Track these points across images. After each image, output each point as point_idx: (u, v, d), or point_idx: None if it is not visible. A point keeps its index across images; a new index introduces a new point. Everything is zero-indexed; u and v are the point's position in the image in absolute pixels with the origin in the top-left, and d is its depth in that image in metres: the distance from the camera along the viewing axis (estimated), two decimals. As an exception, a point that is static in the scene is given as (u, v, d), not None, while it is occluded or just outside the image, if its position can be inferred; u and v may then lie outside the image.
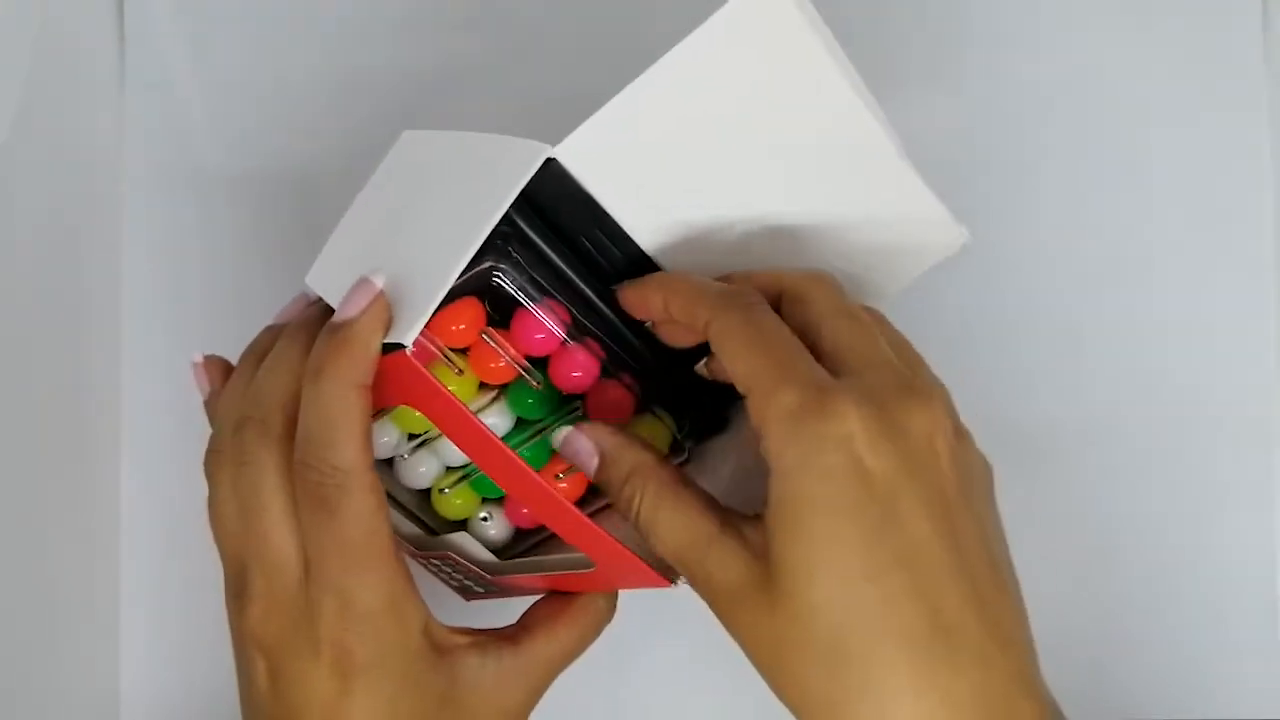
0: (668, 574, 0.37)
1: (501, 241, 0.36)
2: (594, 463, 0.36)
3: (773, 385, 0.32)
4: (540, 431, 0.39)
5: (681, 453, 0.41)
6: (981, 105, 0.49)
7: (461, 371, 0.38)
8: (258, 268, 0.49)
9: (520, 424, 0.40)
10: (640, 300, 0.37)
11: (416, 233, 0.36)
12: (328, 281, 0.37)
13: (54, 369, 0.49)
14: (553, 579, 0.40)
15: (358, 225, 0.39)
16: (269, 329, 0.40)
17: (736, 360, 0.33)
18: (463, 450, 0.37)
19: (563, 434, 0.37)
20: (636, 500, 0.35)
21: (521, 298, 0.37)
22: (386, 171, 0.39)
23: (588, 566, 0.38)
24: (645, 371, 0.39)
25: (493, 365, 0.38)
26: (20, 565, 0.47)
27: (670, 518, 0.34)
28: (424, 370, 0.35)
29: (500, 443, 0.36)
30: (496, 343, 0.38)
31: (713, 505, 0.34)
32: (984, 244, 0.49)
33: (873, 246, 0.38)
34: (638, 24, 0.46)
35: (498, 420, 0.39)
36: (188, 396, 0.49)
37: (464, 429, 0.36)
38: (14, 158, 0.49)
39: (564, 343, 0.38)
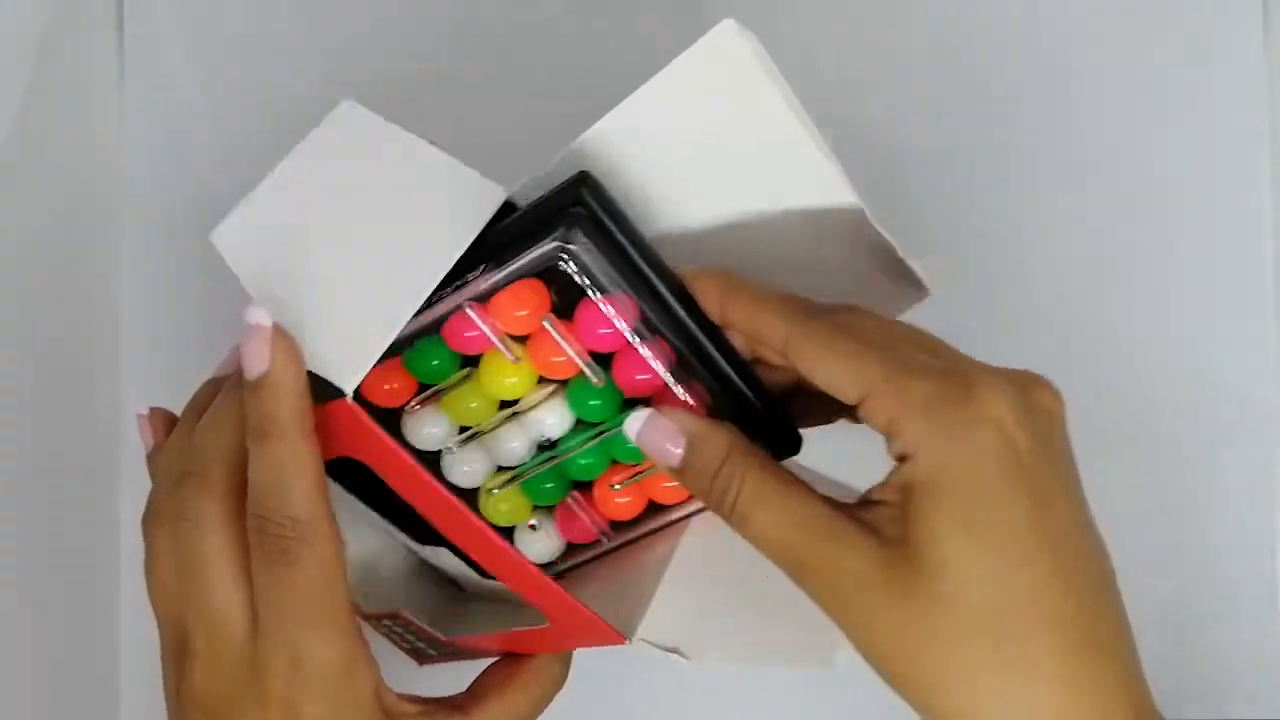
0: (625, 631, 0.36)
1: (570, 222, 0.34)
2: (679, 449, 0.34)
3: (900, 381, 0.31)
4: (599, 435, 0.37)
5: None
6: (979, 105, 0.49)
7: (519, 360, 0.36)
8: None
9: (579, 425, 0.38)
10: (699, 292, 0.35)
11: (359, 249, 0.35)
12: (239, 247, 0.36)
13: (54, 368, 0.49)
14: (506, 639, 0.39)
15: (282, 198, 0.37)
16: (209, 382, 0.39)
17: (838, 369, 0.32)
18: (416, 507, 0.36)
19: (638, 417, 0.35)
20: (734, 488, 0.33)
21: (588, 286, 0.35)
22: (319, 142, 0.37)
23: (541, 623, 0.37)
24: (719, 382, 0.36)
25: (553, 359, 0.36)
26: (20, 566, 0.47)
27: (779, 505, 0.33)
28: (367, 420, 0.34)
29: (455, 500, 0.35)
30: (559, 334, 0.36)
31: (817, 491, 0.33)
32: (983, 244, 0.49)
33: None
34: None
35: (555, 419, 0.37)
36: (187, 394, 0.49)
37: (414, 483, 0.35)
38: (14, 159, 0.49)
39: (631, 341, 0.36)
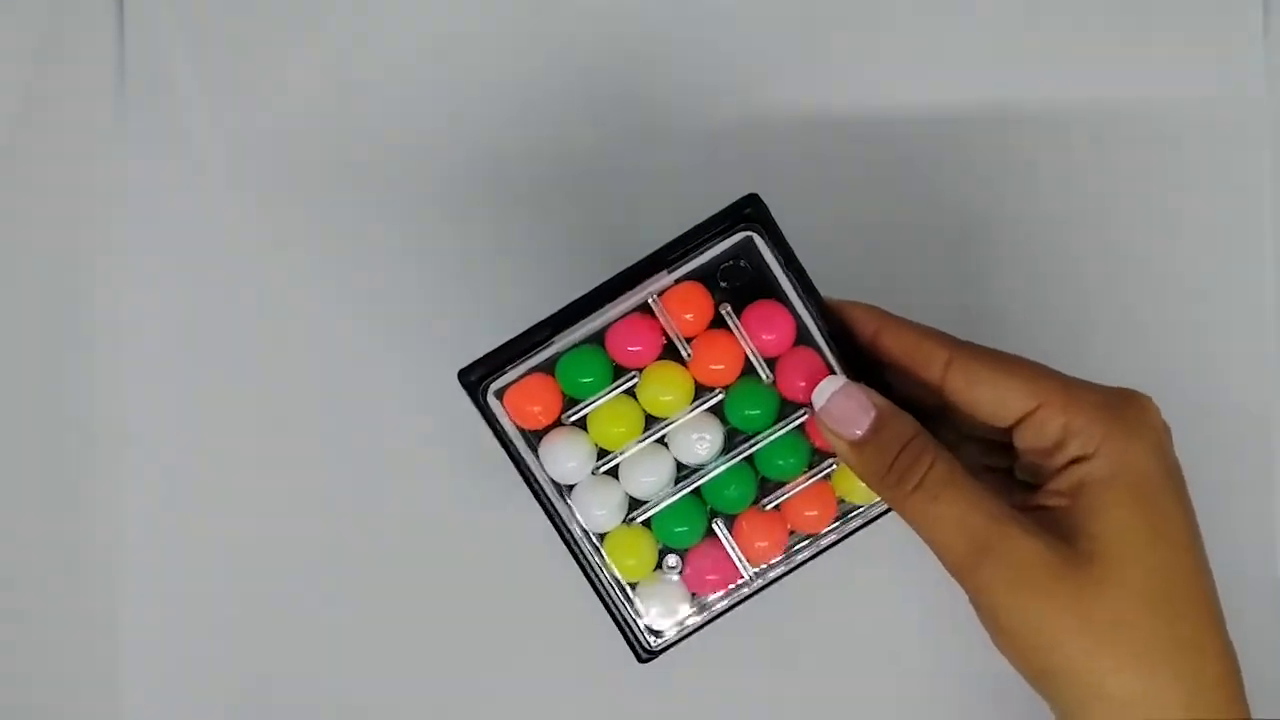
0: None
1: (756, 213, 0.37)
2: (867, 421, 0.36)
3: (1075, 391, 0.36)
4: (747, 454, 0.38)
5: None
6: (975, 105, 0.49)
7: (689, 358, 0.37)
8: (257, 267, 0.49)
9: (730, 448, 0.38)
10: (849, 318, 0.38)
11: None
12: None
13: (54, 368, 0.49)
14: None
15: None
16: None
17: (1010, 383, 0.36)
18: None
19: (831, 382, 0.37)
20: (924, 463, 0.35)
21: (779, 274, 0.37)
22: None
23: None
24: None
25: (712, 365, 0.37)
26: (20, 566, 0.47)
27: (967, 486, 0.35)
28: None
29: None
30: (734, 325, 0.37)
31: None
32: (983, 244, 0.49)
33: None
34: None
35: (709, 438, 0.38)
36: (188, 396, 0.49)
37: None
38: (14, 158, 0.49)
39: (795, 344, 0.38)
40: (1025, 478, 0.38)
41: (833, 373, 0.37)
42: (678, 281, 0.37)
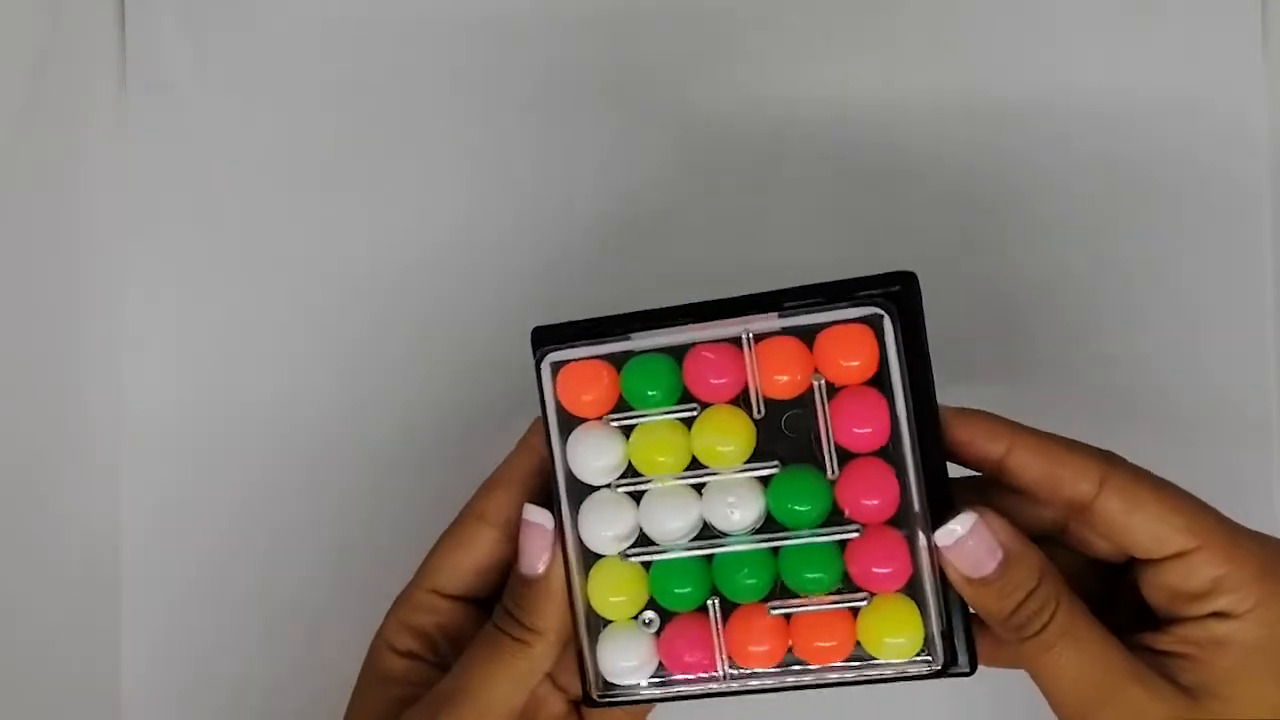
0: None
1: (904, 289, 0.33)
2: (994, 563, 0.33)
3: (1238, 541, 0.33)
4: (777, 545, 0.34)
5: (958, 665, 0.34)
6: (978, 105, 0.49)
7: (761, 418, 0.34)
8: (257, 267, 0.49)
9: (764, 527, 0.34)
10: (971, 433, 0.34)
11: None
12: None
13: (54, 368, 0.49)
14: None
15: None
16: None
17: (1169, 518, 0.33)
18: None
19: (966, 518, 0.32)
20: (1047, 612, 0.33)
21: (894, 368, 0.33)
22: None
23: None
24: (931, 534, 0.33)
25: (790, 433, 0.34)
26: (21, 566, 0.47)
27: (1089, 638, 0.33)
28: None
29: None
30: (823, 407, 0.33)
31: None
32: (983, 243, 0.49)
33: None
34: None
35: (745, 507, 0.34)
36: (187, 396, 0.49)
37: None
38: (14, 158, 0.49)
39: (881, 450, 0.33)
40: (1151, 605, 0.35)
41: (905, 499, 0.33)
42: (784, 331, 0.34)
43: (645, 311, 0.35)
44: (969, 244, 0.48)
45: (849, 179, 0.48)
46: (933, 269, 0.48)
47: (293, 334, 0.49)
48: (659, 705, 0.37)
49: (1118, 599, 0.36)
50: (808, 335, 0.34)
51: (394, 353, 0.49)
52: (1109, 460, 0.34)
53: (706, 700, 0.35)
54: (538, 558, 0.35)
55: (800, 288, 0.34)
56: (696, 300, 0.35)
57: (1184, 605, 0.33)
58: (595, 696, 0.36)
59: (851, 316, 0.33)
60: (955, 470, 0.35)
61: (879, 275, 0.34)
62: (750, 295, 0.34)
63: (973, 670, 0.34)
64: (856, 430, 0.33)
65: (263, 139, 0.50)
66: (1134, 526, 0.33)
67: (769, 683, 0.35)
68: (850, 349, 0.33)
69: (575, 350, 0.35)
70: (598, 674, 0.36)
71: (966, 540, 0.33)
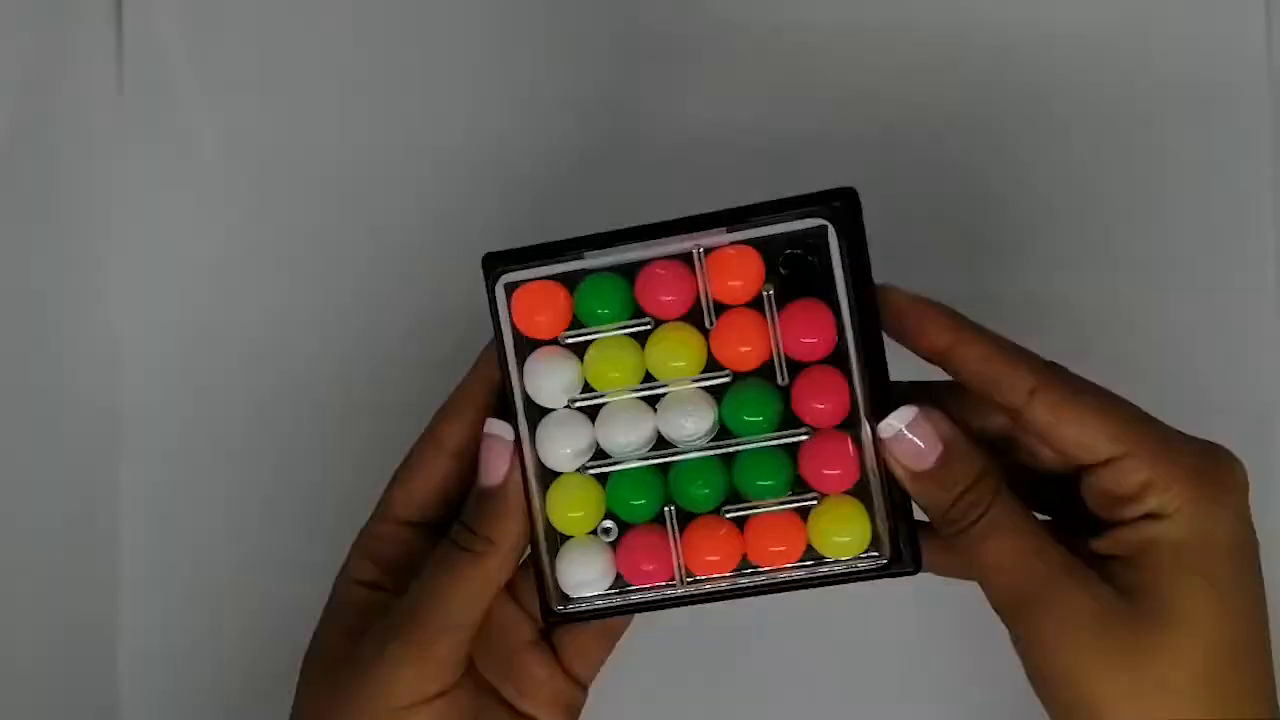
0: None
1: (842, 206, 0.34)
2: (935, 455, 0.34)
3: (1170, 445, 0.34)
4: (729, 451, 0.35)
5: (902, 563, 0.35)
6: (979, 104, 0.49)
7: (711, 329, 0.35)
8: (257, 267, 0.49)
9: (718, 438, 0.36)
10: (918, 323, 0.35)
11: None
12: None
13: (54, 367, 0.49)
14: None
15: None
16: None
17: (1099, 424, 0.34)
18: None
19: (909, 409, 0.34)
20: (983, 504, 0.34)
21: (840, 280, 0.34)
22: None
23: None
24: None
25: (741, 347, 0.35)
26: (20, 566, 0.47)
27: (1027, 531, 0.34)
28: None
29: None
30: (773, 317, 0.35)
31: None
32: (983, 243, 0.49)
33: None
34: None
35: (697, 418, 0.35)
36: (187, 396, 0.49)
37: None
38: (14, 158, 0.49)
39: (825, 360, 0.35)
40: (1092, 512, 0.36)
41: (853, 403, 0.35)
42: (733, 245, 0.35)
43: (597, 234, 0.36)
44: (962, 240, 0.48)
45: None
46: (931, 265, 0.49)
47: (293, 332, 0.49)
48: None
49: (1071, 515, 0.37)
50: (759, 247, 0.35)
51: (397, 352, 0.49)
52: (1047, 370, 0.34)
53: (664, 610, 0.36)
54: (498, 468, 0.36)
55: (747, 206, 0.35)
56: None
57: (1118, 509, 0.34)
58: (554, 608, 0.36)
59: (796, 230, 0.34)
60: (910, 377, 0.36)
61: (822, 191, 0.35)
62: (701, 214, 0.35)
63: (917, 569, 0.35)
64: (804, 340, 0.35)
65: (262, 139, 0.50)
66: (1061, 435, 0.34)
67: (724, 586, 0.36)
68: (744, 268, 0.35)
69: (528, 271, 0.36)
70: (557, 588, 0.36)
71: (906, 433, 0.34)
